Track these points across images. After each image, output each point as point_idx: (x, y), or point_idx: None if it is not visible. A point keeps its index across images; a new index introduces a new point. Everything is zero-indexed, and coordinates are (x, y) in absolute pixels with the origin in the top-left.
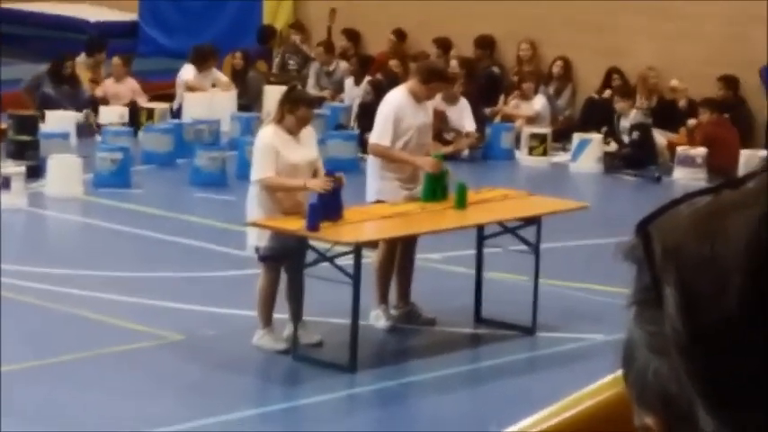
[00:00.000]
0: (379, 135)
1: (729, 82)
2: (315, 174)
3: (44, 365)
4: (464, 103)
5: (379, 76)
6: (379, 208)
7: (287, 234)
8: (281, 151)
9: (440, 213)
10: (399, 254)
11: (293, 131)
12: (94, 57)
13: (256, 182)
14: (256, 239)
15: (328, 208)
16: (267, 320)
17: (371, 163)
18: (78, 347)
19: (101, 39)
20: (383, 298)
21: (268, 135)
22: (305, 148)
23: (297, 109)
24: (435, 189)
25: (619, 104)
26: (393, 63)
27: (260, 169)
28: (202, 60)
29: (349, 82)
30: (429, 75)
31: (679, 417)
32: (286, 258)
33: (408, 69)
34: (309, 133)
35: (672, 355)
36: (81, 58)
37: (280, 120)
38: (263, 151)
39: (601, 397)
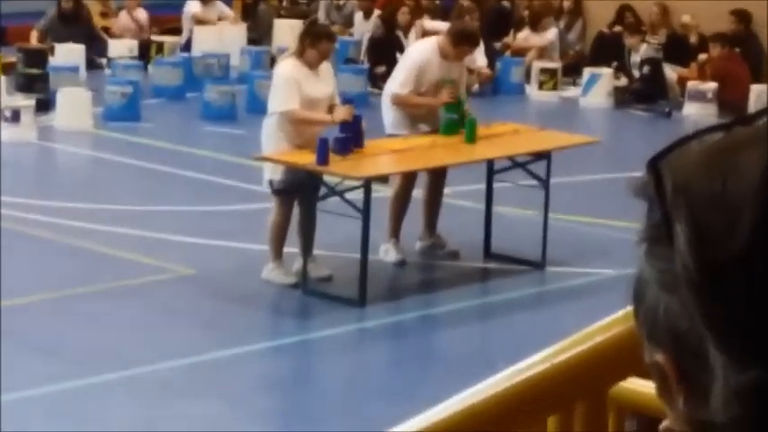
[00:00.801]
0: (400, 84)
1: (741, 15)
2: (330, 109)
3: (54, 298)
4: None
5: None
6: (389, 142)
7: (297, 168)
8: (303, 85)
9: (450, 148)
10: (428, 186)
11: (313, 65)
12: None
13: (281, 113)
14: (270, 173)
15: (351, 137)
16: (278, 254)
17: (385, 98)
18: (88, 281)
19: None
20: (395, 232)
21: (289, 68)
22: (323, 83)
23: (319, 42)
24: (455, 120)
25: (629, 40)
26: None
27: (284, 101)
28: None
29: (359, 16)
30: (459, 38)
31: (689, 353)
32: (299, 192)
33: (421, 5)
34: (327, 68)
35: (682, 291)
36: None
37: (301, 53)
38: (286, 84)
39: (611, 332)
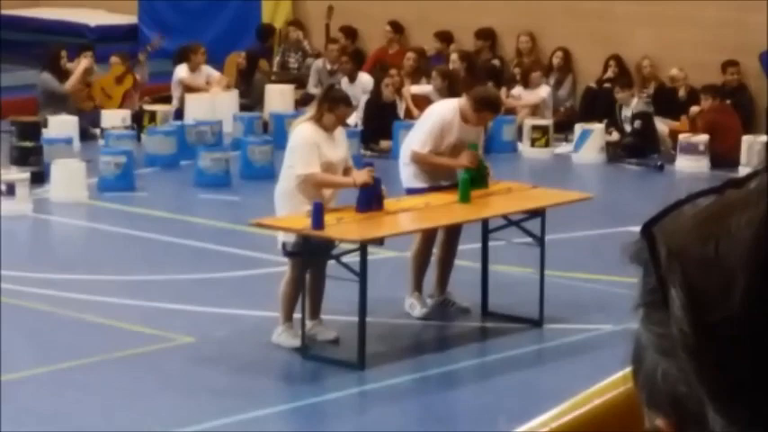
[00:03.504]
0: (421, 143)
1: (732, 67)
2: (346, 172)
3: (53, 371)
4: None
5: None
6: (385, 204)
7: (294, 233)
8: (322, 148)
9: (445, 208)
10: (442, 244)
11: (330, 129)
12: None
13: (302, 176)
14: (284, 235)
15: (371, 199)
16: (288, 316)
17: (404, 153)
18: (88, 352)
19: (89, 43)
20: (417, 286)
21: (309, 131)
22: (339, 147)
23: (336, 107)
24: (474, 178)
25: (620, 94)
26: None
27: (305, 165)
28: (189, 58)
29: (344, 81)
30: (481, 103)
31: (689, 418)
32: (312, 254)
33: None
34: (341, 132)
35: (679, 356)
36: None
37: (319, 118)
38: (306, 147)
39: (610, 395)
